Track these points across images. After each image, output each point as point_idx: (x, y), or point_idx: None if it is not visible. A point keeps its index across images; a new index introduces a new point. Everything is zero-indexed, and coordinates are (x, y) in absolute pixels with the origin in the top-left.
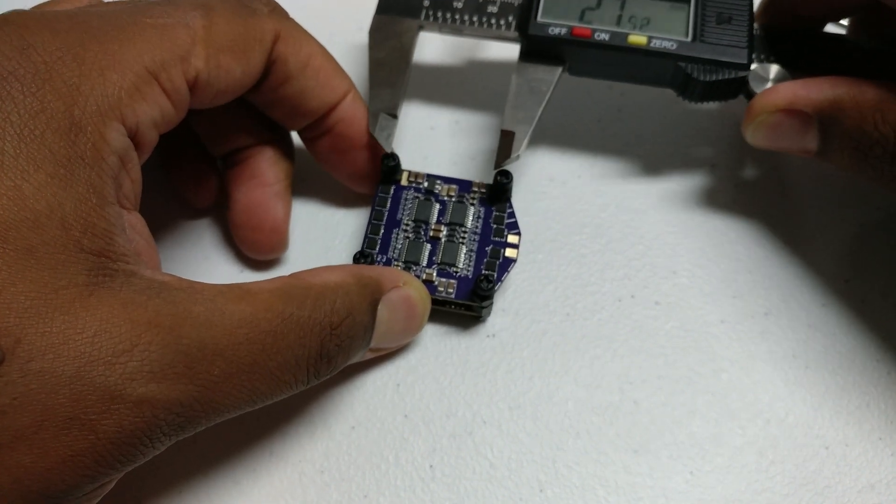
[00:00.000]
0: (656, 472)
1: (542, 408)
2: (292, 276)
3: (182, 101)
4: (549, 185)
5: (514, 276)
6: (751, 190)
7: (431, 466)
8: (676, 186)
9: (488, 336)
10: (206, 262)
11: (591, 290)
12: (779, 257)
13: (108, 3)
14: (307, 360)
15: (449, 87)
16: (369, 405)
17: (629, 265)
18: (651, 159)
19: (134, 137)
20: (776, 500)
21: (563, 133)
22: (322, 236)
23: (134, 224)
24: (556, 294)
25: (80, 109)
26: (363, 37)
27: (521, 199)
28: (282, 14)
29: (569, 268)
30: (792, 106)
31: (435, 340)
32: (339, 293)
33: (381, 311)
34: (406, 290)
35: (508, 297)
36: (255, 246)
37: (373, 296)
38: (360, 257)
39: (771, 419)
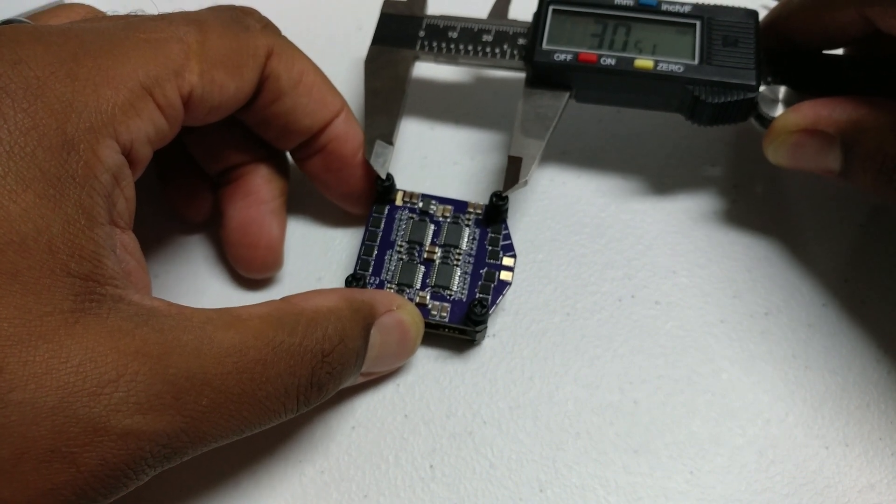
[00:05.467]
0: (656, 471)
1: (542, 407)
2: (283, 300)
3: (176, 117)
4: (550, 185)
5: (514, 276)
6: (750, 190)
7: (431, 466)
8: (676, 186)
9: (488, 336)
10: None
11: (591, 290)
12: (779, 257)
13: (101, 18)
14: (297, 388)
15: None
16: (369, 405)
17: (629, 265)
18: (651, 159)
19: (128, 154)
20: (776, 500)
21: (563, 133)
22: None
23: (126, 244)
24: (556, 294)
25: (73, 126)
26: (363, 37)
27: (522, 198)
28: (274, 31)
29: (569, 268)
30: (814, 126)
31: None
32: (331, 319)
33: (374, 335)
34: (399, 314)
35: (509, 297)
36: (250, 264)
37: (365, 320)
38: (353, 280)
39: (771, 419)
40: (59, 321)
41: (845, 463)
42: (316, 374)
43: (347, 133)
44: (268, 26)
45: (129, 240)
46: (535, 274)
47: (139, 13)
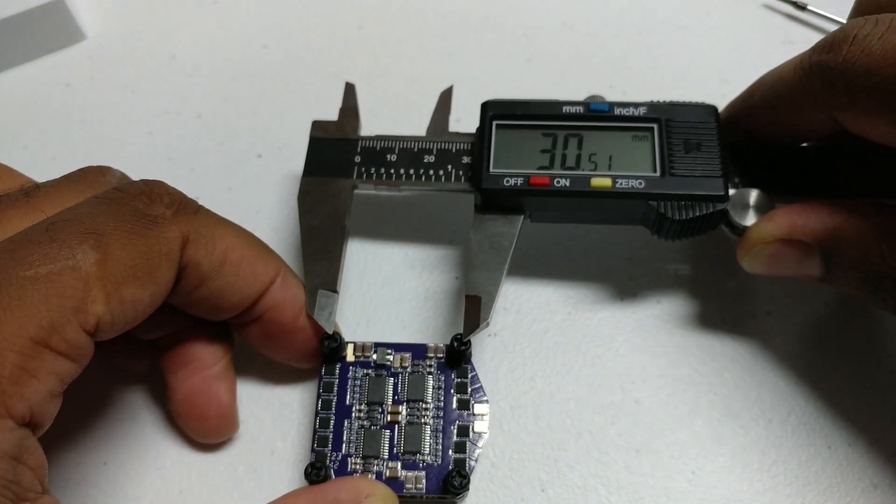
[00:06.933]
0: (658, 471)
1: (543, 407)
2: None
3: (84, 353)
4: None
5: (515, 275)
6: None
7: None
8: None
9: (490, 335)
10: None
11: (593, 289)
12: None
13: None
14: None
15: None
16: None
17: (631, 264)
18: None
19: (29, 421)
20: (779, 500)
21: None
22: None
23: None
24: (558, 293)
25: None
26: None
27: None
28: (188, 210)
29: (570, 266)
30: (790, 235)
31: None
32: None
33: None
34: (369, 503)
35: (510, 296)
36: (203, 433)
37: None
38: (312, 470)
39: (773, 419)
40: None
41: (848, 463)
42: None
43: (284, 299)
44: (180, 209)
45: None
46: (537, 272)
47: (32, 189)
